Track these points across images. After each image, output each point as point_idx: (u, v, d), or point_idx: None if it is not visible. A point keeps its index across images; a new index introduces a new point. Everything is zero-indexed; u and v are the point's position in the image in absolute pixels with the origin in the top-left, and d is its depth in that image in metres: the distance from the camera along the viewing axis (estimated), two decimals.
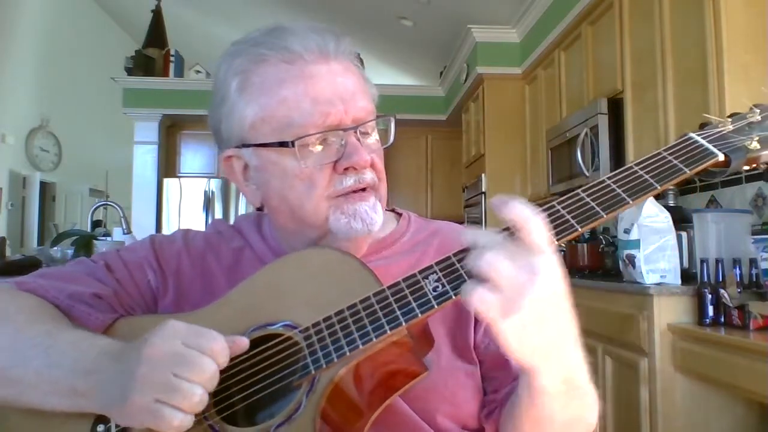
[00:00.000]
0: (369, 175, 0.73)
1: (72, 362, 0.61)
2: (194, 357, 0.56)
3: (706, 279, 2.02)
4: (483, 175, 4.66)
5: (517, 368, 0.69)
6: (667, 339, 2.05)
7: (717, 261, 2.05)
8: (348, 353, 0.58)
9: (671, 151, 0.63)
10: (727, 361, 1.81)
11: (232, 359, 0.59)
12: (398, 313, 0.58)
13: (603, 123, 3.02)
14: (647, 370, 2.08)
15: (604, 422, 2.36)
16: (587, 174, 3.14)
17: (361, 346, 0.58)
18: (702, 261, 2.05)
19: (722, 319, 1.94)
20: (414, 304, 0.58)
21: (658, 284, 2.11)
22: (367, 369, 0.60)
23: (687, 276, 2.24)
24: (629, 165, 0.62)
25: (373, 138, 0.75)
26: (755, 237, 2.15)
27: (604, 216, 0.58)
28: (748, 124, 0.62)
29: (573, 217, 0.58)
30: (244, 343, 0.60)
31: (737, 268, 1.96)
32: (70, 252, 2.91)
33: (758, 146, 0.60)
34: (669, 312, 2.06)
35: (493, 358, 0.76)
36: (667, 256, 2.14)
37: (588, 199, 0.59)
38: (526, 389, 0.61)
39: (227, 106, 0.75)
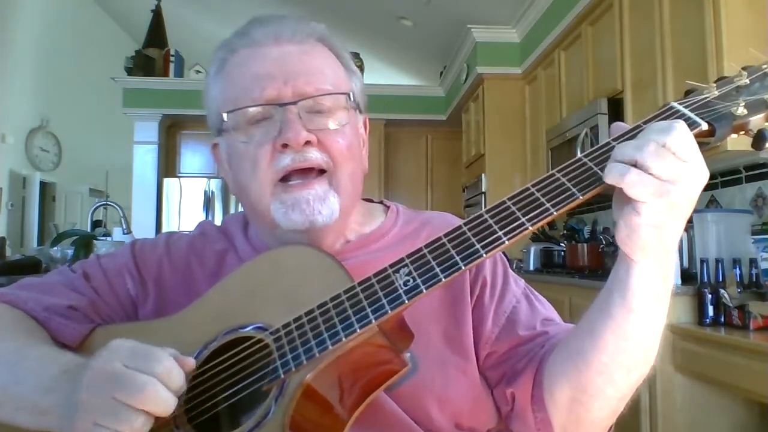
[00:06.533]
0: (314, 155, 0.69)
1: (35, 379, 0.60)
2: (133, 379, 0.53)
3: (706, 279, 2.02)
4: (483, 175, 4.66)
5: (536, 335, 0.72)
6: (667, 339, 2.05)
7: (717, 261, 2.05)
8: (317, 354, 0.56)
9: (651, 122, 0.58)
10: (727, 361, 1.81)
11: (202, 365, 0.58)
12: (368, 310, 0.56)
13: (603, 123, 3.01)
14: None
15: None
16: None
17: (330, 347, 0.55)
18: (702, 261, 2.05)
19: (722, 319, 1.94)
20: (384, 300, 0.56)
21: None
22: (340, 370, 0.57)
23: (687, 276, 2.24)
24: (607, 140, 0.58)
25: (334, 120, 0.72)
26: (755, 237, 2.15)
27: (581, 197, 0.56)
28: (736, 89, 0.58)
29: (548, 200, 0.57)
30: (190, 364, 0.57)
31: (737, 268, 1.97)
32: (70, 252, 2.90)
33: (745, 111, 0.56)
34: (669, 312, 2.04)
35: (505, 341, 0.73)
36: None
37: (563, 179, 0.57)
38: (619, 297, 0.61)
39: (206, 95, 0.78)
